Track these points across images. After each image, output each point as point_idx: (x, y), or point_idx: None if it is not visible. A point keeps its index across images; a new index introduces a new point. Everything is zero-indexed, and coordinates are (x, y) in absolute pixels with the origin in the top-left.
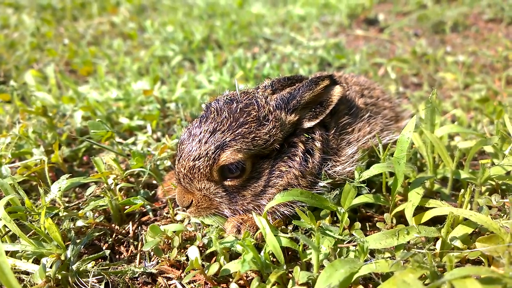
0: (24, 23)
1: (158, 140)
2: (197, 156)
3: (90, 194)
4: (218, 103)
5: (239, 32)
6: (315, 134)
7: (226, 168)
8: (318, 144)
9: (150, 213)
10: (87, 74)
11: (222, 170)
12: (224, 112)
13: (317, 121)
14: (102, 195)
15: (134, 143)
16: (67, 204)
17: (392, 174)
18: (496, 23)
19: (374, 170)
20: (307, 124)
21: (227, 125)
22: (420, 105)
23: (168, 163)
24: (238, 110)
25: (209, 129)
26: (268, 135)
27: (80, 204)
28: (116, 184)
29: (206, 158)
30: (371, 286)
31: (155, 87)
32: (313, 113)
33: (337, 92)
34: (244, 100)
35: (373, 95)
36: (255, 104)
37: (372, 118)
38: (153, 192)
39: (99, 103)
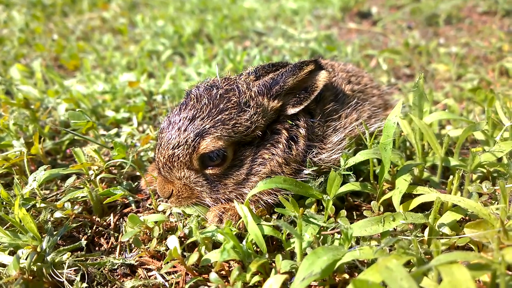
0: (14, 19)
1: (143, 132)
2: (176, 144)
3: (69, 185)
4: (198, 90)
5: (231, 26)
6: (300, 121)
7: (206, 156)
8: (302, 131)
9: (133, 204)
10: (74, 68)
11: (202, 158)
12: (204, 99)
13: (301, 107)
14: (82, 186)
15: (117, 135)
16: (45, 196)
17: (380, 162)
18: (490, 16)
19: (360, 156)
20: (291, 111)
21: (207, 111)
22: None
23: (151, 154)
24: (218, 96)
25: (188, 116)
26: (249, 122)
27: (58, 195)
28: (97, 175)
29: (186, 146)
30: (356, 274)
31: (141, 79)
32: (297, 99)
33: (322, 77)
34: (224, 86)
35: (360, 82)
36: (236, 90)
37: (359, 105)
38: (136, 183)
39: (84, 96)
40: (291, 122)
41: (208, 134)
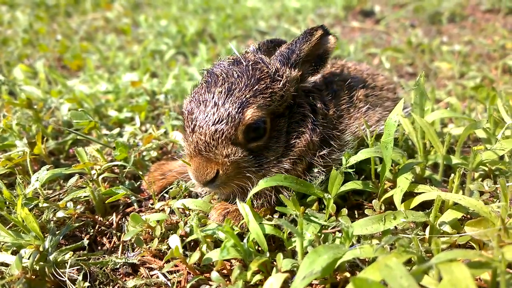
0: (17, 20)
1: (146, 132)
2: (217, 120)
3: (72, 184)
4: (222, 66)
5: (234, 25)
6: (316, 106)
7: (250, 127)
8: (320, 117)
9: (135, 204)
10: (78, 69)
11: (247, 130)
12: (234, 72)
13: (319, 75)
14: (84, 185)
15: (120, 134)
16: (48, 195)
17: (382, 161)
18: (494, 14)
19: (362, 155)
20: (311, 79)
21: (243, 83)
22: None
23: (154, 153)
24: (250, 67)
25: (223, 90)
26: (283, 90)
27: (61, 195)
28: (99, 175)
29: (229, 119)
30: (357, 273)
31: (144, 78)
32: (314, 67)
33: (332, 43)
34: (250, 59)
35: (376, 85)
36: (261, 62)
37: (370, 110)
38: (138, 183)
39: (87, 96)
40: (311, 98)
41: (250, 103)
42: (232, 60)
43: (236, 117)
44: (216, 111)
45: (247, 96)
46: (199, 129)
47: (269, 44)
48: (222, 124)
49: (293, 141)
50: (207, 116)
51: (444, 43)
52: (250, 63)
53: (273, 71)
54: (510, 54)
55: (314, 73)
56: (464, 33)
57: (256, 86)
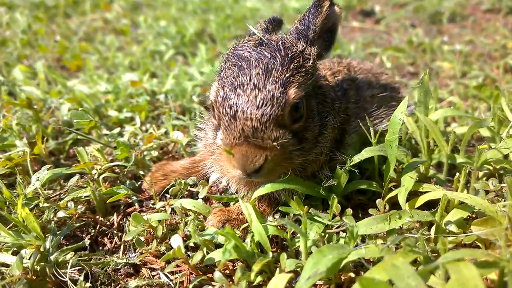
0: (16, 21)
1: (146, 131)
2: (262, 102)
3: (72, 184)
4: (249, 48)
5: (233, 25)
6: (330, 95)
7: (294, 107)
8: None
9: (136, 204)
10: (77, 69)
11: (291, 110)
12: (266, 52)
13: (331, 49)
14: (85, 185)
15: (120, 134)
16: (48, 195)
17: (386, 160)
18: (494, 13)
19: (366, 153)
20: (327, 54)
21: (278, 62)
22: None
23: (155, 153)
24: (281, 46)
25: (260, 72)
26: (313, 69)
27: (61, 195)
28: (100, 174)
29: (274, 99)
30: (362, 273)
31: (144, 79)
32: (327, 42)
33: (338, 12)
34: (275, 39)
35: (381, 85)
36: (287, 41)
37: (374, 111)
38: (139, 182)
39: (87, 96)
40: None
41: (291, 82)
42: (257, 42)
43: (282, 97)
44: (259, 93)
45: (286, 75)
46: (243, 115)
47: (273, 24)
48: (268, 107)
49: (324, 120)
50: (248, 100)
51: (445, 43)
52: (279, 42)
53: (301, 49)
54: (511, 54)
55: (327, 48)
56: (465, 32)
57: (291, 65)
